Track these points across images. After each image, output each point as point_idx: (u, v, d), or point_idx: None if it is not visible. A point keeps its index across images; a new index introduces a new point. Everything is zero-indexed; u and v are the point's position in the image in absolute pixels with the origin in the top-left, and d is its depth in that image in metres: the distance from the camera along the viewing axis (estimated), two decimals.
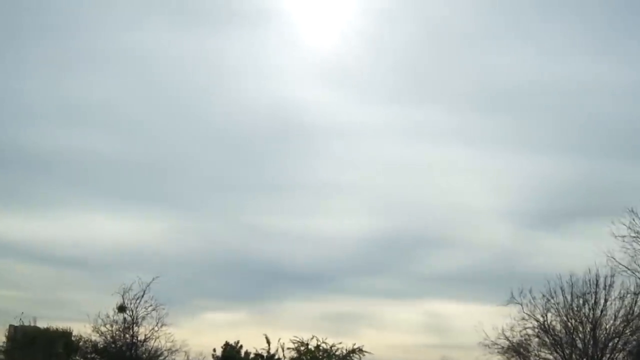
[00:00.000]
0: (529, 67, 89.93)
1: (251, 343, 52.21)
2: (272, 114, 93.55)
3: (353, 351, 50.74)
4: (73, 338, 51.21)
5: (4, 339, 51.84)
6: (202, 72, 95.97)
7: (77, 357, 50.33)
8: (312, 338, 51.18)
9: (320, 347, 50.74)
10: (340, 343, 51.05)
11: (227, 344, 52.62)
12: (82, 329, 48.91)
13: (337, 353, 50.66)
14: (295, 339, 51.09)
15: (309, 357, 50.65)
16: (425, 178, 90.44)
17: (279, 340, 50.76)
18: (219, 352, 52.52)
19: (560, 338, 46.02)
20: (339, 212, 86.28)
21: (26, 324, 51.17)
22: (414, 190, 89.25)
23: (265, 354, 51.10)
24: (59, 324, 52.35)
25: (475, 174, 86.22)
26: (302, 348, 50.69)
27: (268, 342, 50.73)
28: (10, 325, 51.49)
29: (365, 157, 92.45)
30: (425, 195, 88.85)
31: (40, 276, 74.89)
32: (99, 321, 47.70)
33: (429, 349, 67.53)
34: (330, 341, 51.04)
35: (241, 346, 52.91)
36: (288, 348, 51.02)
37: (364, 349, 50.93)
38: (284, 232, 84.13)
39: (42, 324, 52.01)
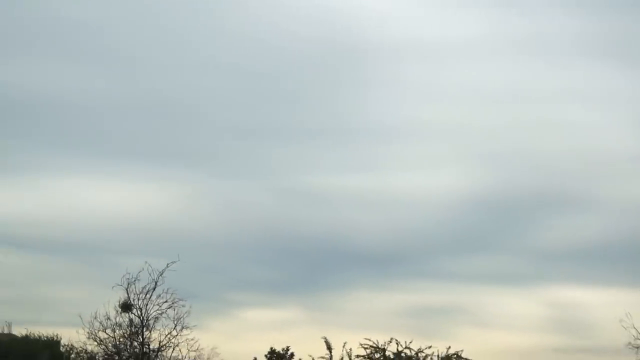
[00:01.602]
0: None
1: (306, 349, 47.14)
2: (320, 28, 79.48)
3: (448, 358, 45.03)
4: (62, 348, 46.69)
5: None
6: None
7: None
8: (390, 341, 44.84)
9: (403, 354, 45.02)
10: (430, 347, 44.93)
11: (272, 352, 46.84)
12: (74, 336, 42.90)
13: None
14: (367, 342, 44.87)
15: None
16: (545, 111, 76.83)
17: (344, 345, 44.57)
18: None
19: None
20: (422, 164, 75.56)
21: None
22: (530, 130, 76.19)
23: None
24: (42, 330, 47.71)
25: (621, 103, 75.34)
26: (376, 355, 45.06)
27: (329, 347, 44.89)
28: None
29: (457, 85, 79.10)
30: (546, 136, 76.01)
31: (14, 267, 65.54)
32: (96, 325, 41.38)
33: (556, 354, 59.91)
34: (415, 345, 45.03)
35: (292, 354, 47.01)
36: (357, 356, 44.92)
37: (462, 355, 45.13)
38: (346, 195, 73.34)
39: (19, 331, 47.77)
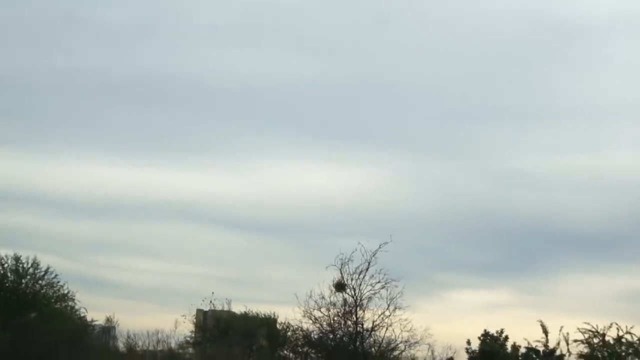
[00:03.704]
0: None
1: (520, 332, 45.40)
2: (533, 9, 76.00)
3: None
4: (278, 326, 47.49)
5: (191, 327, 47.49)
6: None
7: (284, 351, 47.04)
8: (610, 326, 42.82)
9: (624, 339, 42.28)
10: None
11: (486, 334, 45.32)
12: (290, 314, 43.37)
13: None
14: (585, 327, 42.99)
15: (606, 354, 42.61)
16: None
17: (560, 329, 42.98)
18: (475, 345, 45.35)
19: None
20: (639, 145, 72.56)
21: (218, 308, 47.27)
22: None
23: (541, 349, 43.80)
24: (260, 308, 48.42)
25: None
26: (595, 340, 42.83)
27: (545, 331, 43.43)
28: (199, 310, 47.55)
29: None
30: None
31: (233, 246, 70.79)
32: (311, 304, 41.35)
33: None
34: (637, 331, 42.13)
35: (506, 337, 45.26)
36: (575, 340, 43.03)
37: None
38: (562, 176, 70.68)
39: (238, 309, 47.89)
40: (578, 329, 42.87)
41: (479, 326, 47.07)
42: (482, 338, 45.52)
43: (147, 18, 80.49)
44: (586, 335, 42.95)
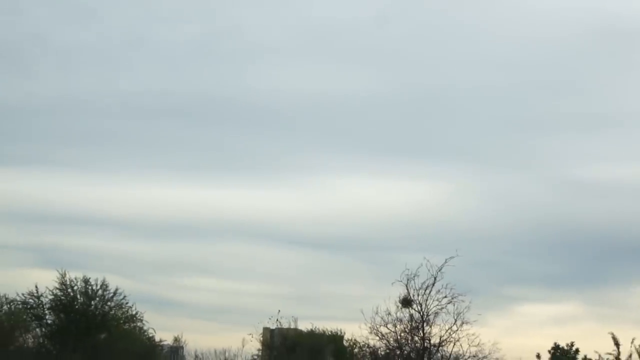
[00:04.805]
0: None
1: (591, 345, 43.97)
2: (586, 19, 76.33)
3: None
4: (345, 343, 47.41)
5: (258, 345, 47.54)
6: None
7: None
8: None
9: None
10: None
11: (556, 347, 45.21)
12: (357, 331, 42.38)
13: None
14: None
15: None
16: None
17: (632, 341, 42.19)
18: (545, 359, 45.38)
19: None
20: None
21: (285, 326, 46.97)
22: None
23: None
24: (327, 325, 47.99)
25: None
26: None
27: (617, 343, 42.51)
28: (265, 328, 47.35)
29: None
30: None
31: (297, 264, 70.33)
32: (378, 320, 39.85)
33: None
34: None
35: (577, 350, 45.20)
36: None
37: None
38: (630, 185, 69.41)
39: (304, 326, 47.67)
40: None
41: (548, 339, 46.51)
42: (552, 351, 45.10)
43: (203, 37, 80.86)
44: None
